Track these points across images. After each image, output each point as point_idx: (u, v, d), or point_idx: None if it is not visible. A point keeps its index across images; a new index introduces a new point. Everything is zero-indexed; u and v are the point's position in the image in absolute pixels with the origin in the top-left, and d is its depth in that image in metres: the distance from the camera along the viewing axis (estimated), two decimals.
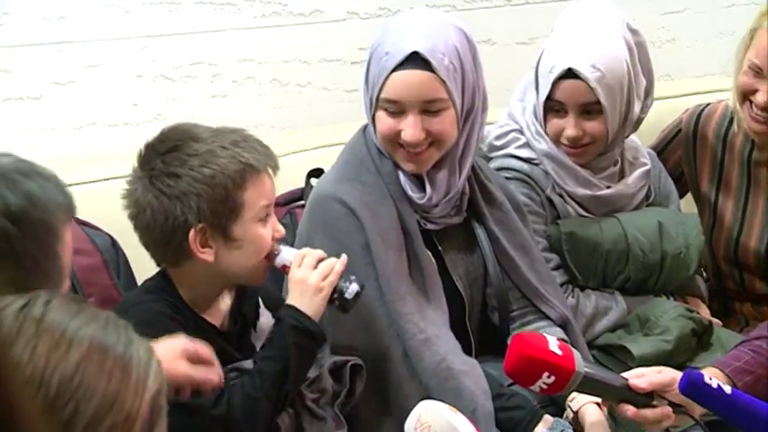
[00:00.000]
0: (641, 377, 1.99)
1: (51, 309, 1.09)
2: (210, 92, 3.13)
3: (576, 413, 2.30)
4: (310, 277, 2.16)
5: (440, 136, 2.35)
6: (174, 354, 1.91)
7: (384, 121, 2.36)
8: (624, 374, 2.03)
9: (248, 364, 2.17)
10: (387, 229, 2.36)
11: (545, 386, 1.90)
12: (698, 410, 1.97)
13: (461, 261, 2.51)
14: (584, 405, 2.28)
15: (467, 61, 2.35)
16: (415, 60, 2.30)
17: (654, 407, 1.99)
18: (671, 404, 1.99)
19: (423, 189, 2.42)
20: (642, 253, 2.69)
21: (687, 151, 3.00)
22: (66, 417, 1.03)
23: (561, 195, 2.69)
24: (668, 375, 1.99)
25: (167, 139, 2.14)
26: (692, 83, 3.45)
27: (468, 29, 2.40)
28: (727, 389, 1.85)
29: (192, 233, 2.10)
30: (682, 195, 3.03)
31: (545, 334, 1.95)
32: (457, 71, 2.33)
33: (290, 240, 2.40)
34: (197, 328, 2.14)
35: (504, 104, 2.80)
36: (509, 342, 2.46)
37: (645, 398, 1.99)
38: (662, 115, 3.05)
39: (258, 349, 2.24)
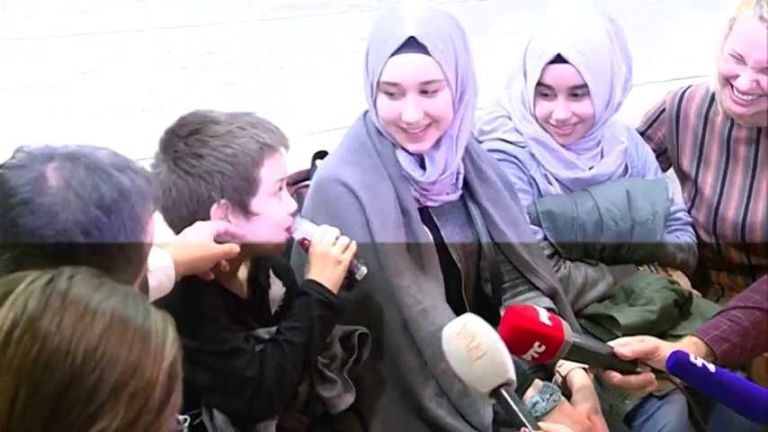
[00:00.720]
0: (625, 345, 1.99)
1: (75, 283, 1.09)
2: (222, 80, 3.12)
3: (564, 378, 2.31)
4: (332, 250, 2.20)
5: (437, 116, 2.33)
6: (207, 235, 2.04)
7: (385, 105, 2.34)
8: (609, 343, 2.02)
9: (263, 332, 2.18)
10: (385, 209, 2.35)
11: (536, 355, 1.91)
12: None
13: (457, 236, 2.49)
14: (572, 370, 2.29)
15: (459, 46, 2.34)
16: (412, 45, 2.29)
17: (637, 373, 2.00)
18: (653, 370, 1.99)
19: (422, 168, 2.40)
20: (614, 222, 2.68)
21: (670, 130, 2.99)
22: (93, 383, 1.03)
23: (545, 176, 2.68)
24: (651, 344, 1.99)
25: (187, 124, 2.14)
26: (670, 69, 3.43)
27: (457, 18, 2.39)
28: (711, 367, 1.84)
29: (214, 208, 2.11)
30: (664, 171, 3.01)
31: (536, 306, 1.94)
32: (450, 55, 2.32)
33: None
34: (221, 297, 2.16)
35: (495, 91, 2.80)
36: (502, 314, 2.49)
37: (629, 365, 1.99)
38: (643, 98, 3.05)
39: (273, 314, 2.26)
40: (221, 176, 2.10)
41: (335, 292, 2.20)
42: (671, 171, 3.05)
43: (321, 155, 2.67)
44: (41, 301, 1.05)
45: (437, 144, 2.39)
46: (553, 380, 2.32)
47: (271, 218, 2.16)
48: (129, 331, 1.07)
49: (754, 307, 2.22)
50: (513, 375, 1.73)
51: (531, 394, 2.28)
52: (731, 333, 2.15)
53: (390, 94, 2.33)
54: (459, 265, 2.47)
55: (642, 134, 3.00)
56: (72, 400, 1.02)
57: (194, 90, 3.05)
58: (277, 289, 2.29)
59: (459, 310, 2.39)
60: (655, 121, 3.03)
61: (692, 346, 2.07)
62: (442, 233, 2.46)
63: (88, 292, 1.08)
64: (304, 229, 2.23)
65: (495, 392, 1.72)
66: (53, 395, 1.02)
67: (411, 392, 2.30)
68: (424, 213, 2.43)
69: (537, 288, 2.51)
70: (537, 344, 1.89)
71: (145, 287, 1.74)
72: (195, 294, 2.08)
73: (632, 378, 1.99)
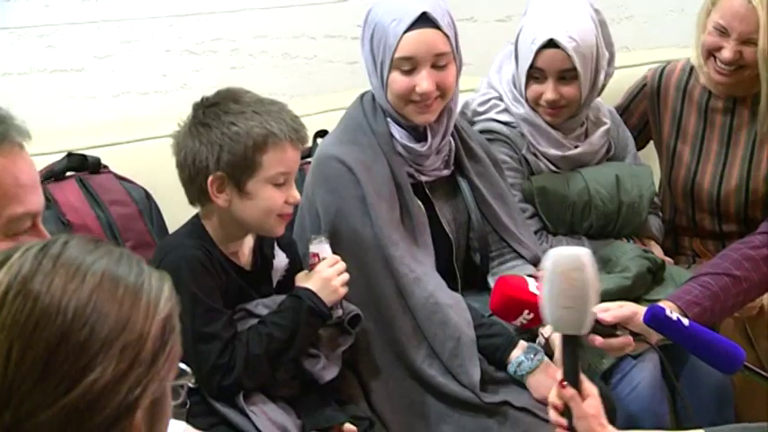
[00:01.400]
0: (606, 311, 1.98)
1: (69, 247, 1.07)
2: (230, 64, 3.10)
3: (546, 339, 2.31)
4: (335, 280, 2.17)
5: (447, 87, 2.34)
6: None
7: (399, 81, 2.32)
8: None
9: (255, 307, 2.18)
10: (380, 184, 2.34)
11: (525, 321, 1.91)
12: (654, 338, 1.96)
13: (449, 209, 2.48)
14: (554, 332, 2.27)
15: (454, 24, 2.35)
16: (424, 20, 2.29)
17: (617, 336, 1.99)
18: (632, 333, 1.98)
19: (419, 141, 2.39)
20: (602, 203, 2.67)
21: (651, 102, 2.98)
22: (83, 338, 1.01)
23: (535, 154, 2.67)
24: (629, 309, 1.99)
25: (216, 97, 2.15)
26: (648, 53, 3.43)
27: (451, 6, 2.38)
28: (685, 321, 1.84)
29: (210, 178, 2.09)
30: (645, 144, 3.02)
31: (525, 276, 1.93)
32: (453, 30, 2.34)
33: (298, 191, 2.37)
34: (223, 269, 2.15)
35: (485, 74, 2.78)
36: (489, 281, 2.49)
37: (610, 329, 1.98)
38: (622, 81, 3.02)
39: (274, 286, 2.25)
40: (220, 149, 2.08)
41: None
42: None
43: (321, 134, 2.66)
44: (34, 264, 1.04)
45: (440, 115, 2.39)
46: (537, 341, 2.32)
47: (263, 202, 2.11)
48: (119, 289, 1.04)
49: (723, 273, 2.22)
50: (584, 332, 1.63)
51: (516, 354, 2.28)
52: (702, 297, 2.15)
53: (404, 70, 2.31)
54: (450, 236, 2.46)
55: (625, 108, 3.00)
56: (64, 355, 1.01)
57: (204, 74, 3.04)
58: (281, 260, 2.27)
59: (450, 279, 2.42)
60: (636, 95, 3.01)
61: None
62: (435, 206, 2.44)
63: (81, 254, 1.06)
64: (323, 247, 2.21)
65: (564, 337, 1.62)
66: (45, 351, 1.00)
67: (405, 354, 2.29)
68: (419, 188, 2.42)
69: (522, 257, 2.49)
70: (526, 312, 1.88)
71: None
72: (196, 270, 2.08)
73: (613, 341, 1.99)
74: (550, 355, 2.31)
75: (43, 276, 1.04)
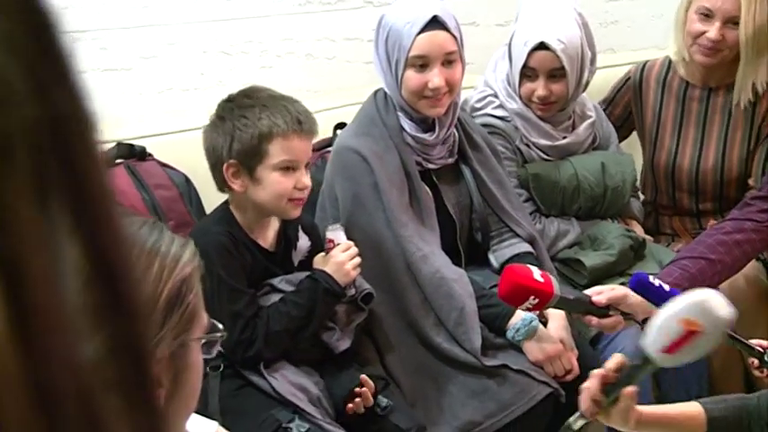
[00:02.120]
0: (600, 294, 1.98)
1: None
2: (260, 64, 3.10)
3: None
4: (348, 264, 2.17)
5: (455, 83, 2.35)
6: None
7: (413, 78, 2.33)
8: (586, 292, 2.03)
9: (279, 282, 2.18)
10: (391, 172, 2.34)
11: (531, 306, 1.89)
12: (641, 317, 1.96)
13: (453, 194, 2.49)
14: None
15: (459, 26, 2.37)
16: (435, 23, 2.30)
17: (610, 316, 1.99)
18: (622, 313, 1.98)
19: (427, 131, 2.40)
20: (590, 188, 2.67)
21: (634, 94, 2.98)
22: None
23: (527, 145, 2.67)
24: (620, 291, 1.99)
25: (235, 94, 2.16)
26: (630, 55, 3.41)
27: (454, 11, 2.41)
28: (666, 287, 1.86)
29: (225, 165, 2.10)
30: (629, 133, 3.02)
31: (530, 266, 1.92)
32: (459, 32, 2.35)
33: (319, 178, 2.40)
34: (248, 250, 2.15)
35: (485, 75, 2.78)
36: (490, 258, 2.50)
37: (603, 310, 1.98)
38: (608, 79, 3.04)
39: (295, 265, 2.24)
40: (231, 139, 2.09)
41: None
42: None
43: (340, 126, 2.67)
44: None
45: (447, 108, 2.40)
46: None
47: (273, 187, 2.10)
48: (134, 251, 1.01)
49: (700, 257, 2.22)
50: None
51: (514, 322, 2.30)
52: (681, 279, 2.15)
53: (418, 67, 2.32)
54: (454, 218, 2.47)
55: (611, 101, 3.00)
56: None
57: (237, 72, 3.03)
58: (304, 243, 2.27)
59: (454, 256, 2.43)
60: (621, 89, 3.01)
61: None
62: (441, 191, 2.45)
63: None
64: (338, 234, 2.21)
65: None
66: None
67: (415, 324, 2.31)
68: (426, 175, 2.42)
69: (518, 236, 2.50)
70: (532, 297, 1.87)
71: None
72: (222, 254, 2.08)
73: (606, 320, 1.99)
74: (544, 323, 2.32)
75: None
